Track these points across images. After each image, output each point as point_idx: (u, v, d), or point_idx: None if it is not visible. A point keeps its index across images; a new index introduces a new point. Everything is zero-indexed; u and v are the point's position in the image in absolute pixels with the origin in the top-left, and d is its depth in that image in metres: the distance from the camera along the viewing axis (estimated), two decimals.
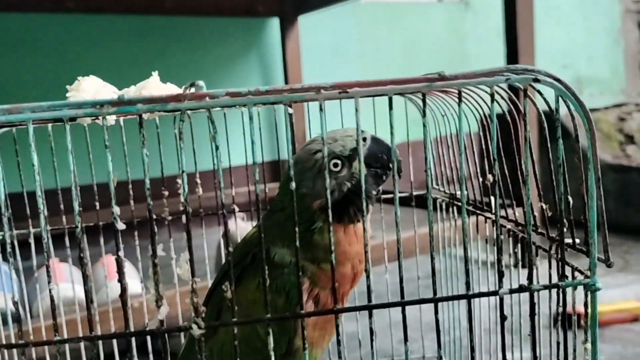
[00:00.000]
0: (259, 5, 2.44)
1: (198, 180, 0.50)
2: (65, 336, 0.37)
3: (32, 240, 0.75)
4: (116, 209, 0.34)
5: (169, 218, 0.76)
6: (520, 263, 0.54)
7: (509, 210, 0.58)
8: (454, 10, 3.15)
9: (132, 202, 0.70)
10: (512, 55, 1.86)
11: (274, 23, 2.54)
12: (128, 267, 1.32)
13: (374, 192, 0.63)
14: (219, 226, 1.44)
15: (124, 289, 0.35)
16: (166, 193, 0.65)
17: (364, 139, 0.61)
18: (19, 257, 0.71)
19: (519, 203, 0.65)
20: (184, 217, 0.37)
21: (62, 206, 0.73)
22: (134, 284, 1.20)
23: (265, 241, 0.59)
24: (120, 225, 0.35)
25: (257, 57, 2.55)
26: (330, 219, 0.46)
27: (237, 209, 0.84)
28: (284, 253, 0.60)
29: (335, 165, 0.60)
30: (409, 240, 1.00)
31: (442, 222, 0.77)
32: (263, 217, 0.65)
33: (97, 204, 0.76)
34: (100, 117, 0.35)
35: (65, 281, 1.15)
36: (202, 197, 0.67)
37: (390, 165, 0.61)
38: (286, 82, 2.49)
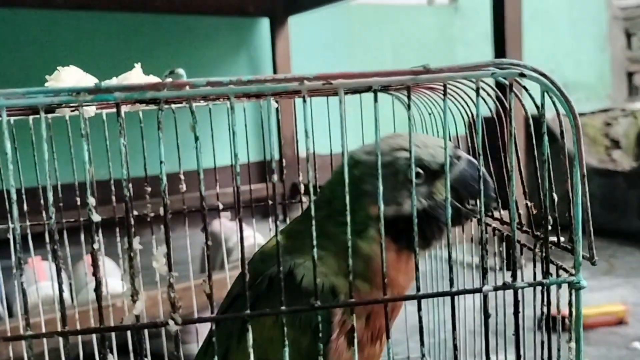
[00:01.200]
0: (249, 4, 2.43)
1: (182, 177, 0.49)
2: (30, 330, 0.37)
3: (11, 237, 0.73)
4: (92, 200, 0.34)
5: (151, 215, 0.75)
6: (505, 262, 0.54)
7: (494, 209, 0.57)
8: (443, 13, 3.16)
9: (114, 198, 0.69)
10: (500, 58, 1.87)
11: (264, 23, 2.53)
12: (110, 265, 1.31)
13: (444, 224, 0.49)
14: (212, 223, 1.43)
15: (98, 283, 0.34)
16: (149, 189, 0.64)
17: (458, 157, 0.51)
18: None
19: (506, 204, 0.64)
20: (162, 211, 0.36)
21: (42, 202, 0.72)
22: (116, 283, 1.19)
23: (290, 250, 0.51)
24: (96, 217, 0.34)
25: (247, 56, 2.54)
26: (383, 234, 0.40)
27: (221, 206, 0.83)
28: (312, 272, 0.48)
29: (417, 175, 0.50)
30: None
31: None
32: (295, 219, 0.58)
33: (78, 200, 0.76)
34: (78, 106, 0.34)
35: (45, 279, 1.14)
36: (187, 197, 0.66)
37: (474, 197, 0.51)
38: None
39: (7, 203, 0.55)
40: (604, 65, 3.84)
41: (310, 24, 2.66)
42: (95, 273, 0.34)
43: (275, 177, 0.35)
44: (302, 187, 0.82)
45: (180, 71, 0.34)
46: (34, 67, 2.07)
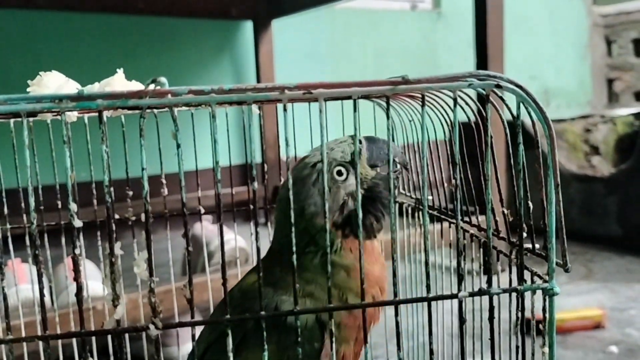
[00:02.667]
0: (233, 7, 2.43)
1: (163, 181, 0.49)
2: (10, 335, 0.37)
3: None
4: (73, 206, 0.34)
5: (133, 218, 0.75)
6: (482, 268, 0.55)
7: (472, 216, 0.58)
8: (426, 19, 3.18)
9: (95, 201, 0.69)
10: (482, 65, 1.89)
11: (247, 26, 2.53)
12: (91, 268, 1.30)
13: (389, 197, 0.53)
14: (193, 226, 1.43)
15: (79, 288, 0.34)
16: (130, 193, 0.65)
17: (360, 142, 0.53)
18: None
19: (484, 210, 0.65)
20: (143, 216, 0.36)
21: (22, 204, 0.72)
22: (96, 285, 1.18)
23: (270, 292, 0.51)
24: (78, 223, 0.34)
25: (230, 60, 2.54)
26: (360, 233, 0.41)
27: (202, 210, 0.83)
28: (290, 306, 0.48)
29: (340, 173, 0.53)
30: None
31: (408, 228, 0.77)
32: (262, 260, 0.58)
33: (59, 203, 0.75)
34: (60, 113, 0.35)
35: (25, 282, 1.13)
36: (168, 199, 0.66)
37: (395, 162, 0.56)
38: None
39: None
40: (585, 72, 3.89)
41: (294, 27, 2.67)
42: (77, 278, 0.34)
43: (256, 184, 0.36)
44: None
45: (163, 80, 0.34)
46: (14, 68, 2.05)
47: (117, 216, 0.73)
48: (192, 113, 0.74)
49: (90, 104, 0.33)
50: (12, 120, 0.65)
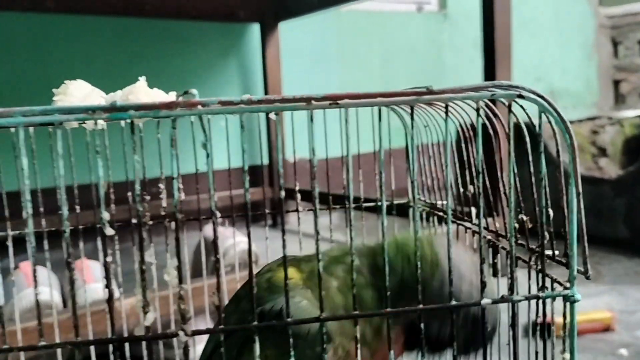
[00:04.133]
0: (240, 10, 2.44)
1: (180, 185, 0.50)
2: (43, 341, 0.37)
3: (10, 242, 0.74)
4: (106, 215, 0.35)
5: (150, 223, 0.76)
6: (500, 273, 0.55)
7: (489, 220, 0.59)
8: (432, 20, 3.19)
9: (112, 205, 0.70)
10: (489, 66, 1.89)
11: (255, 28, 2.54)
12: (98, 269, 1.31)
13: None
14: (199, 230, 1.43)
15: (110, 296, 0.35)
16: (148, 198, 0.65)
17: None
18: None
19: (495, 212, 0.66)
20: (167, 222, 0.37)
21: (41, 208, 0.73)
22: (101, 288, 1.20)
23: (301, 286, 0.51)
24: (110, 231, 0.35)
25: (237, 62, 2.55)
26: None
27: (218, 214, 0.84)
28: (304, 311, 0.48)
29: None
30: None
31: (422, 230, 0.78)
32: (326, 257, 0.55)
33: (78, 207, 0.76)
34: (92, 123, 0.35)
35: (41, 284, 1.14)
36: (182, 201, 0.66)
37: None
38: (265, 87, 2.49)
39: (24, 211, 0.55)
40: (591, 74, 3.89)
41: (301, 29, 2.68)
42: (108, 286, 0.35)
43: (249, 196, 0.36)
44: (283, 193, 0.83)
45: (194, 91, 0.35)
46: (24, 70, 2.07)
47: (132, 220, 0.74)
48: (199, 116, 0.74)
49: (123, 115, 0.34)
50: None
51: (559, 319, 0.43)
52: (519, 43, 2.88)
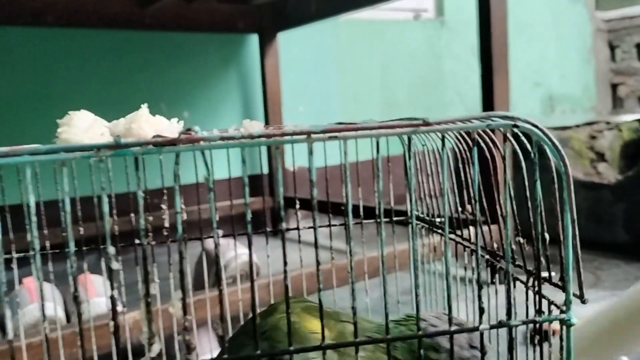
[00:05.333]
0: (239, 21, 2.45)
1: (183, 206, 0.51)
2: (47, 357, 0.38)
3: (15, 263, 0.75)
4: (111, 249, 0.35)
5: (153, 243, 0.76)
6: (497, 292, 0.56)
7: (486, 239, 0.60)
8: (429, 27, 3.20)
9: (115, 217, 0.71)
10: (487, 73, 1.90)
11: (253, 39, 2.56)
12: (100, 283, 1.32)
13: None
14: (199, 241, 1.44)
15: (116, 328, 0.36)
16: (150, 218, 0.66)
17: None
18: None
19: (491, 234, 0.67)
20: (169, 241, 0.38)
21: (44, 222, 0.73)
22: (103, 302, 1.20)
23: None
24: (116, 265, 0.35)
25: (236, 72, 2.56)
26: None
27: (220, 233, 0.85)
28: None
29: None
30: (388, 256, 1.01)
31: (420, 242, 0.79)
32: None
33: (80, 221, 0.77)
34: (98, 159, 0.36)
35: (45, 300, 1.15)
36: (172, 214, 0.66)
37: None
38: (265, 97, 2.51)
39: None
40: (589, 78, 3.91)
41: (299, 40, 2.69)
42: (114, 318, 0.36)
43: (249, 215, 0.37)
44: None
45: (196, 128, 0.36)
46: (24, 84, 2.08)
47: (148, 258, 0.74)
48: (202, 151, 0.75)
49: (127, 152, 0.35)
50: None
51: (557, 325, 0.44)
52: (517, 49, 2.90)
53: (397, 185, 0.82)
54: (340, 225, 0.81)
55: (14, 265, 0.72)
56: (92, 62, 2.20)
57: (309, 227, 0.82)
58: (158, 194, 0.63)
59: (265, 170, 2.53)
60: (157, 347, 0.37)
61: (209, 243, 1.51)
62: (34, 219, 0.34)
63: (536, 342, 0.46)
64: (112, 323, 0.34)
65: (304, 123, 0.65)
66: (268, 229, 0.81)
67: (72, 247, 0.34)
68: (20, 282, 1.30)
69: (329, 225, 0.78)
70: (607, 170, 2.51)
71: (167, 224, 0.61)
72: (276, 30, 2.50)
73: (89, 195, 0.73)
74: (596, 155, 2.59)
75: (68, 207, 0.34)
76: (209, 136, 0.36)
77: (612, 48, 3.99)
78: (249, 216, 0.36)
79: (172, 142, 0.36)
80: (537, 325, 0.43)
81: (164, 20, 2.27)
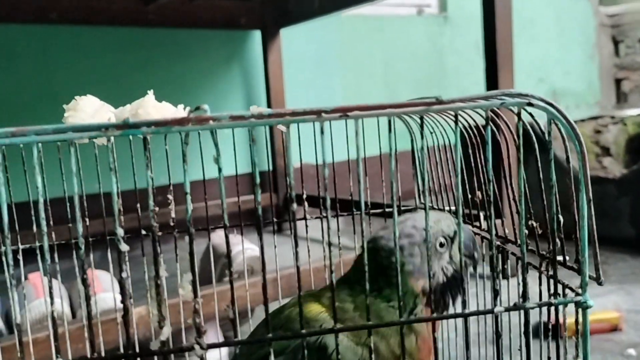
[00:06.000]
0: (241, 17, 2.45)
1: (189, 196, 0.50)
2: (54, 352, 0.38)
3: (20, 253, 0.74)
4: (120, 231, 0.35)
5: (159, 234, 0.76)
6: (509, 278, 0.55)
7: (497, 224, 0.59)
8: (433, 23, 3.19)
9: (115, 209, 0.70)
10: (491, 68, 1.89)
11: (256, 35, 2.55)
12: (106, 279, 1.31)
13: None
14: (207, 237, 1.44)
15: (126, 310, 0.35)
16: (157, 209, 0.65)
17: (457, 224, 0.54)
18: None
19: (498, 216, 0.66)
20: (176, 232, 0.37)
21: (51, 220, 0.73)
22: (109, 297, 1.20)
23: (320, 323, 0.52)
24: (124, 247, 0.35)
25: (239, 69, 2.56)
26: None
27: (227, 223, 0.84)
28: (348, 348, 0.50)
29: (442, 245, 0.55)
30: None
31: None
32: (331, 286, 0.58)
33: (87, 219, 0.76)
34: (105, 141, 0.36)
35: (44, 296, 1.14)
36: (179, 209, 0.66)
37: (476, 256, 0.58)
38: (268, 93, 2.50)
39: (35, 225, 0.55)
40: (593, 73, 3.89)
41: (302, 35, 2.68)
42: (124, 301, 0.35)
43: (260, 210, 0.37)
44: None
45: (205, 107, 0.35)
46: (29, 82, 2.08)
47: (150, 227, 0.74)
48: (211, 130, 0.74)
49: (136, 132, 0.34)
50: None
51: (569, 320, 0.43)
52: (521, 44, 2.89)
53: (405, 182, 0.82)
54: (348, 214, 0.80)
55: (20, 257, 0.72)
56: (96, 59, 2.19)
57: (316, 217, 0.81)
58: (164, 190, 0.63)
59: (270, 167, 2.52)
60: (166, 330, 0.36)
61: (215, 238, 1.50)
62: (41, 200, 0.34)
63: (550, 327, 0.45)
64: (120, 305, 0.34)
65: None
66: (274, 220, 0.80)
67: (79, 228, 0.33)
68: (25, 277, 1.29)
69: (337, 215, 0.77)
70: (612, 164, 2.50)
71: (173, 215, 0.61)
72: (279, 27, 2.49)
73: (95, 192, 0.73)
74: (601, 150, 2.57)
75: (76, 188, 0.34)
76: (218, 115, 0.35)
77: (616, 43, 3.97)
78: (258, 196, 0.35)
79: (181, 122, 0.35)
80: (553, 311, 0.42)
81: (167, 17, 2.26)
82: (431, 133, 0.69)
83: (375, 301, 0.53)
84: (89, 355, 0.35)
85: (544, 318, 0.46)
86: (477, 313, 0.39)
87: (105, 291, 1.26)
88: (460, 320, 0.47)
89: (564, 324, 0.44)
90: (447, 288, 0.53)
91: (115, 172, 0.33)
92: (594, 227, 0.39)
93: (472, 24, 3.14)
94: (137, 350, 0.80)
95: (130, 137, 0.62)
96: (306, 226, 0.76)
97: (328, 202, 0.36)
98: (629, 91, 3.91)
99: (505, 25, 1.90)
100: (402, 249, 0.53)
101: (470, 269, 0.57)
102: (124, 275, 0.35)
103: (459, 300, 0.54)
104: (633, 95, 3.89)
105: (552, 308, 0.42)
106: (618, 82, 3.95)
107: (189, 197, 0.35)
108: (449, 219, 0.57)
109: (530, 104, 0.37)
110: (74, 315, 1.27)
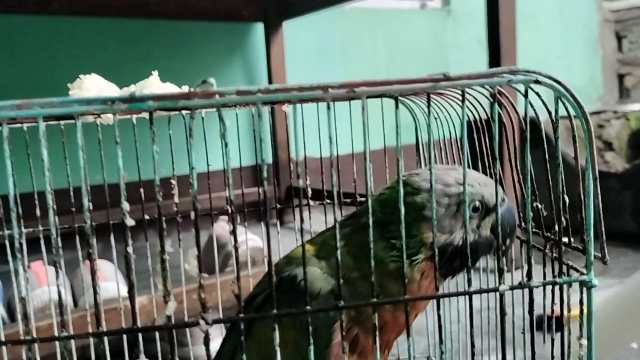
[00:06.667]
0: (244, 10, 2.44)
1: (193, 181, 0.50)
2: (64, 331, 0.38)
3: (23, 240, 0.74)
4: (126, 205, 0.35)
5: (164, 219, 0.76)
6: (513, 261, 0.55)
7: None
8: (435, 17, 3.19)
9: (121, 182, 0.70)
10: (494, 62, 1.89)
11: (259, 28, 2.54)
12: (109, 269, 1.32)
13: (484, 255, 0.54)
14: (209, 228, 1.43)
15: (131, 285, 0.35)
16: (161, 194, 0.65)
17: (503, 200, 0.53)
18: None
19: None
20: (179, 217, 0.37)
21: (54, 207, 0.73)
22: (113, 286, 1.20)
23: (317, 257, 0.53)
24: (130, 221, 0.35)
25: (242, 61, 2.55)
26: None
27: (231, 210, 0.84)
28: (317, 278, 0.51)
29: (475, 209, 0.52)
30: None
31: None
32: (332, 227, 0.56)
33: (91, 205, 0.76)
34: (106, 117, 0.36)
35: (53, 284, 1.15)
36: (183, 201, 0.66)
37: (507, 241, 0.54)
38: None
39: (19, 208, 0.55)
40: (595, 68, 3.88)
41: (305, 28, 2.68)
42: (129, 276, 0.35)
43: (266, 184, 0.36)
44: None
45: (212, 81, 0.35)
46: (29, 73, 2.07)
47: (147, 217, 0.74)
48: (202, 117, 0.75)
49: (142, 105, 0.34)
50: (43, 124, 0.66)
51: (573, 311, 0.43)
52: (523, 39, 2.88)
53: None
54: (352, 200, 0.80)
55: (23, 241, 0.72)
56: (97, 50, 2.19)
57: (320, 203, 0.81)
58: (167, 183, 0.63)
59: (271, 159, 2.51)
60: (172, 305, 0.36)
61: (217, 228, 1.51)
62: (47, 173, 0.34)
63: (554, 307, 0.45)
64: (122, 287, 0.34)
65: (304, 111, 0.64)
66: (278, 206, 0.80)
67: (86, 202, 0.33)
68: (28, 266, 1.30)
69: (340, 203, 0.77)
70: (615, 159, 2.50)
71: (177, 199, 0.61)
72: (281, 19, 2.49)
73: (99, 183, 0.73)
74: (604, 145, 2.57)
75: (82, 162, 0.34)
76: (224, 90, 0.35)
77: (619, 38, 3.96)
78: (264, 172, 0.35)
79: (187, 96, 0.35)
80: (558, 288, 0.42)
81: (169, 9, 2.26)
82: (435, 119, 0.69)
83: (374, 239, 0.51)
84: (92, 330, 0.35)
85: (548, 300, 0.46)
86: (482, 291, 0.39)
87: (108, 280, 1.26)
88: (462, 300, 0.46)
89: (568, 305, 0.44)
90: (458, 255, 0.50)
91: (119, 147, 0.33)
92: (600, 205, 0.39)
93: (475, 17, 3.13)
94: (140, 343, 0.80)
95: (134, 119, 0.62)
96: (309, 214, 0.75)
97: (335, 183, 0.36)
98: (631, 86, 3.90)
99: (508, 19, 1.90)
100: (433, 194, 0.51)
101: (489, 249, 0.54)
102: (129, 249, 0.35)
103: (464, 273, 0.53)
104: (636, 91, 3.88)
105: (557, 288, 0.42)
106: (621, 77, 3.94)
107: (193, 172, 0.35)
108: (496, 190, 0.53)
109: (537, 82, 0.37)
110: (75, 304, 1.27)
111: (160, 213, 0.35)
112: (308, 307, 0.39)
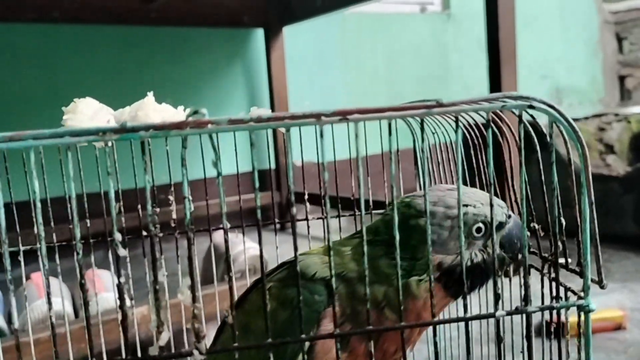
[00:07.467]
0: (244, 15, 2.44)
1: (189, 197, 0.50)
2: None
3: (21, 253, 0.74)
4: (118, 236, 0.35)
5: (160, 235, 0.76)
6: (511, 278, 0.55)
7: None
8: (436, 21, 3.18)
9: (122, 215, 0.70)
10: (495, 66, 1.88)
11: (259, 33, 2.55)
12: (108, 278, 1.31)
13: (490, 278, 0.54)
14: (208, 236, 1.43)
15: (124, 316, 0.35)
16: (157, 210, 0.65)
17: (509, 217, 0.54)
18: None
19: None
20: (177, 234, 0.37)
21: (52, 221, 0.73)
22: (111, 297, 1.20)
23: (319, 254, 0.57)
24: (122, 252, 0.35)
25: (242, 67, 2.55)
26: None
27: (228, 225, 0.84)
28: (314, 264, 0.54)
29: (479, 230, 0.53)
30: None
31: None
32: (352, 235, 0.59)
33: (87, 216, 0.76)
34: (104, 144, 0.35)
35: (53, 295, 1.14)
36: (180, 208, 0.65)
37: (519, 257, 0.54)
38: (271, 91, 2.50)
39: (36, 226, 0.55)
40: (596, 70, 3.88)
41: (305, 33, 2.68)
42: (122, 306, 0.35)
43: (259, 213, 0.36)
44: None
45: (204, 111, 0.35)
46: (31, 80, 2.08)
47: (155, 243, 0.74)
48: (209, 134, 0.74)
49: (133, 136, 0.34)
50: None
51: (572, 319, 0.43)
52: (524, 41, 2.88)
53: (407, 180, 0.81)
54: (350, 215, 0.80)
55: (21, 258, 0.72)
56: (98, 57, 2.19)
57: (319, 218, 0.81)
58: (165, 189, 0.63)
59: (273, 165, 2.51)
60: (165, 335, 0.36)
61: (217, 237, 1.50)
62: (38, 204, 0.33)
63: (552, 329, 0.45)
64: (119, 316, 0.34)
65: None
66: (277, 220, 0.80)
67: (75, 218, 0.33)
68: (27, 277, 1.30)
69: (338, 216, 0.77)
70: (616, 162, 2.49)
71: (174, 216, 0.61)
72: (282, 25, 2.49)
73: (96, 191, 0.72)
74: (605, 147, 2.56)
75: (73, 193, 0.34)
76: (217, 119, 0.35)
77: (620, 40, 3.95)
78: (258, 200, 0.35)
79: (179, 126, 0.35)
80: (555, 313, 0.42)
81: (170, 15, 2.26)
82: (433, 134, 0.69)
83: (380, 255, 0.52)
84: (71, 348, 0.34)
85: (546, 318, 0.45)
86: (479, 317, 0.39)
87: (107, 291, 1.26)
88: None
89: (566, 327, 0.44)
90: (467, 275, 0.49)
91: (115, 173, 0.33)
92: (597, 230, 0.38)
93: (475, 21, 3.13)
94: (138, 354, 0.79)
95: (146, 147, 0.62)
96: (308, 227, 0.75)
97: (328, 206, 0.36)
98: (632, 88, 3.89)
99: (508, 22, 1.89)
100: (434, 215, 0.52)
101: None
102: (122, 280, 0.34)
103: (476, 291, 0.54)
104: (637, 93, 3.87)
105: (554, 311, 0.42)
106: (622, 79, 3.93)
107: (187, 202, 0.34)
108: (499, 208, 0.53)
109: (531, 107, 0.37)
110: (76, 314, 1.28)
111: (153, 245, 0.34)
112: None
